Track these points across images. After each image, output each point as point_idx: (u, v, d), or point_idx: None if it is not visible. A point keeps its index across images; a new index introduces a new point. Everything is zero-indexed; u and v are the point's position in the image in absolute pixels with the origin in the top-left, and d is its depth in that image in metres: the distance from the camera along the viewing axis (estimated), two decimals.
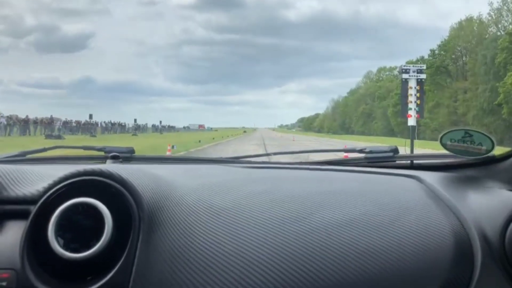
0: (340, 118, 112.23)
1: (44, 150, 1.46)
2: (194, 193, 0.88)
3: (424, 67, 13.93)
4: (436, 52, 61.46)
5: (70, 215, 0.73)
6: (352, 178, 1.11)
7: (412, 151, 11.97)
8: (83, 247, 0.71)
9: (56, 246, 0.70)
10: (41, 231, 0.72)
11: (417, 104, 13.04)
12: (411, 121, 13.22)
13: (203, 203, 0.84)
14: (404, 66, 13.49)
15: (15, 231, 0.77)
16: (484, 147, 1.07)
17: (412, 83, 13.08)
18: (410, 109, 13.08)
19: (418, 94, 13.06)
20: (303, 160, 1.44)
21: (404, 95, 13.30)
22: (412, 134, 13.20)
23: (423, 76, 13.29)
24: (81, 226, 0.73)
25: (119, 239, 0.72)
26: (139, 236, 0.73)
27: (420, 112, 13.21)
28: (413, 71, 13.19)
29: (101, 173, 0.77)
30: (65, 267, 0.71)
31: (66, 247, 0.71)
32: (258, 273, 0.72)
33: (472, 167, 1.14)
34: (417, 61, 62.76)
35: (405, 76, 13.14)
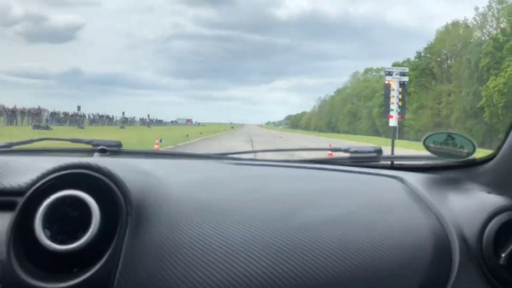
0: (327, 117, 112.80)
1: (31, 141, 1.45)
2: (182, 189, 0.89)
3: (407, 70, 14.51)
4: (422, 54, 62.29)
5: (57, 207, 0.73)
6: (337, 177, 1.14)
7: (392, 150, 12.44)
8: (70, 239, 0.70)
9: (43, 237, 0.70)
10: (28, 222, 0.72)
11: (399, 105, 13.59)
12: (393, 122, 13.81)
13: (190, 198, 0.85)
14: (387, 68, 14.09)
15: (1, 222, 0.77)
16: (465, 150, 1.09)
17: (395, 85, 13.66)
18: (392, 110, 13.64)
19: (400, 96, 13.62)
20: (289, 158, 1.49)
21: (387, 97, 13.91)
22: (393, 134, 13.80)
23: (406, 78, 13.86)
24: (68, 219, 0.73)
25: (106, 233, 0.72)
26: (126, 229, 0.73)
27: (401, 113, 13.77)
28: (396, 74, 13.74)
29: (89, 167, 0.77)
30: (51, 259, 0.70)
31: (53, 238, 0.70)
32: (243, 269, 0.73)
33: (454, 169, 1.17)
34: (403, 63, 63.66)
35: (388, 78, 13.72)
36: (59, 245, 0.70)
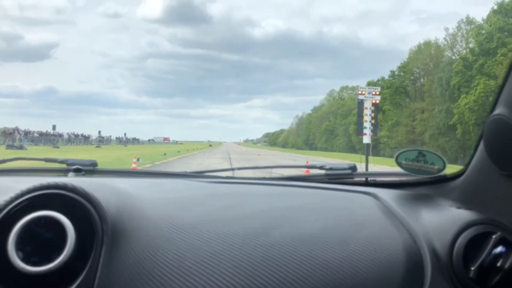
0: (304, 134, 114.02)
1: (4, 161, 1.44)
2: (158, 208, 0.89)
3: (379, 90, 14.95)
4: (396, 73, 63.66)
5: (31, 228, 0.72)
6: (312, 194, 1.15)
7: (366, 166, 12.72)
8: (44, 261, 0.70)
9: (16, 259, 0.69)
10: (1, 244, 0.71)
11: (371, 123, 13.97)
12: (366, 139, 14.15)
13: (166, 217, 0.86)
14: (360, 88, 14.49)
15: None
16: (436, 167, 1.12)
17: (367, 104, 14.05)
18: (365, 127, 14.00)
19: (372, 114, 14.03)
20: (267, 175, 1.50)
21: (360, 115, 14.29)
22: (367, 151, 14.10)
23: (378, 98, 14.30)
24: (42, 240, 0.72)
25: (81, 253, 0.72)
26: (102, 249, 0.73)
27: (374, 131, 14.15)
28: (369, 93, 14.17)
29: (64, 187, 0.76)
30: (24, 281, 0.69)
31: (26, 260, 0.69)
32: (218, 286, 0.73)
33: (425, 185, 1.19)
34: (378, 81, 65.08)
35: (361, 97, 14.12)
36: (32, 266, 0.69)
